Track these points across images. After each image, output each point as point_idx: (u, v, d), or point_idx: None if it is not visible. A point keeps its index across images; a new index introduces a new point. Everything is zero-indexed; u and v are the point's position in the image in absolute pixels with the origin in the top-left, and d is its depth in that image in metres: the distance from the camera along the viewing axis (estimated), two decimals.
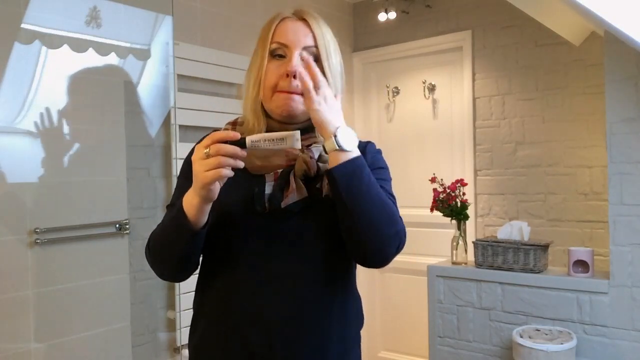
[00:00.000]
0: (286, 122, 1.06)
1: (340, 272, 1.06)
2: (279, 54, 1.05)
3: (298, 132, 0.90)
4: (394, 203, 1.05)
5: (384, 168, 1.13)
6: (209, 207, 0.96)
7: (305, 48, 1.05)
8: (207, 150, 0.88)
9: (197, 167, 0.90)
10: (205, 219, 0.97)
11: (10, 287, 2.00)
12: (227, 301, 1.04)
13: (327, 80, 1.04)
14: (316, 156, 1.04)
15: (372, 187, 0.98)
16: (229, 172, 0.89)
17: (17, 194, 2.04)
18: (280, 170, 1.04)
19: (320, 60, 1.05)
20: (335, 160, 0.97)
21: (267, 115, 1.08)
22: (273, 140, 0.89)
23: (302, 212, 1.02)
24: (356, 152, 0.98)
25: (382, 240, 0.97)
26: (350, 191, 0.96)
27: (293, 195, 1.00)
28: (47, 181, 2.13)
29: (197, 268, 1.09)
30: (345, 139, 0.97)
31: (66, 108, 2.18)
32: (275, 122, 1.07)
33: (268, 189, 1.01)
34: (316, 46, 1.05)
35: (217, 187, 0.92)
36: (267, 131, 1.06)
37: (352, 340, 1.11)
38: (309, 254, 1.03)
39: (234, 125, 1.12)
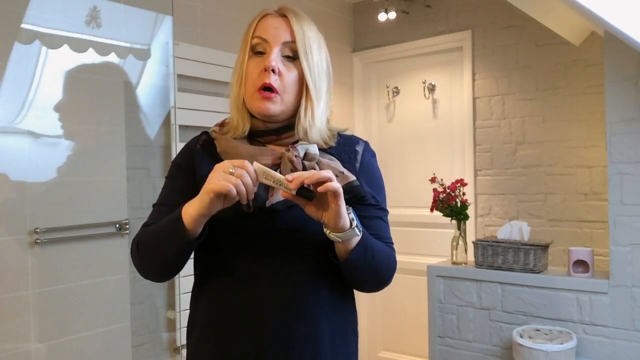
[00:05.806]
0: (266, 121, 1.07)
1: (330, 269, 1.05)
2: (259, 51, 1.06)
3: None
4: (391, 245, 1.12)
5: (379, 182, 1.14)
6: (204, 220, 0.97)
7: (284, 43, 1.05)
8: (235, 170, 0.91)
9: (216, 174, 0.92)
10: (199, 230, 0.98)
11: (10, 287, 2.00)
12: (219, 303, 1.05)
13: (305, 78, 1.05)
14: (302, 154, 1.03)
15: (378, 252, 1.03)
16: (234, 193, 0.90)
17: (17, 194, 2.04)
18: None
19: (299, 56, 1.05)
20: (349, 244, 0.99)
21: (251, 114, 1.08)
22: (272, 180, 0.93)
23: (288, 211, 1.02)
24: (360, 226, 0.99)
25: (382, 284, 1.11)
26: (361, 267, 1.02)
27: (278, 194, 1.00)
28: (47, 181, 2.13)
29: (179, 272, 1.10)
30: (359, 220, 0.99)
31: (66, 108, 2.18)
32: (258, 120, 1.07)
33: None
34: (294, 41, 1.05)
35: (218, 202, 0.93)
36: (250, 130, 1.08)
37: (349, 340, 1.11)
38: (298, 252, 1.03)
39: (221, 126, 1.12)
